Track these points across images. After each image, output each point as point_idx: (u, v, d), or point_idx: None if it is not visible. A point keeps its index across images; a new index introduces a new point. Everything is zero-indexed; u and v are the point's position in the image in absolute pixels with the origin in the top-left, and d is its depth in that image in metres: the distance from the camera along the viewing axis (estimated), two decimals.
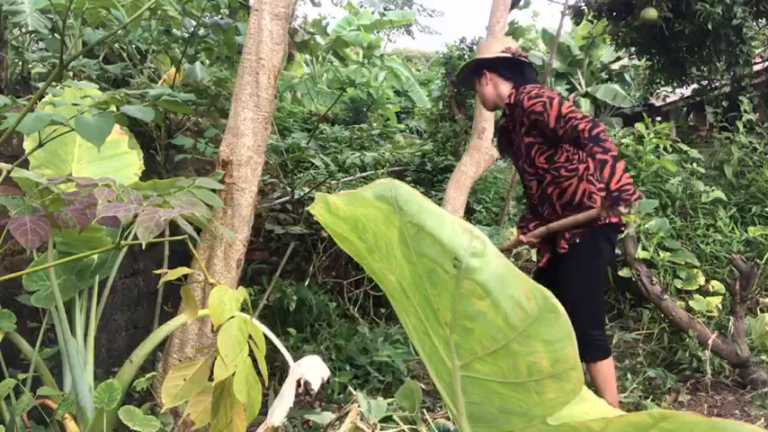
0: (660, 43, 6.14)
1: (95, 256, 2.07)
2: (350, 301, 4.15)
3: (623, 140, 4.28)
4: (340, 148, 5.49)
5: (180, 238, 1.49)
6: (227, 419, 1.33)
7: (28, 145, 2.14)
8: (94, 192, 1.39)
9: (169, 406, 1.36)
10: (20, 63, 3.33)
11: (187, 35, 3.82)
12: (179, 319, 2.03)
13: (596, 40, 11.09)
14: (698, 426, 0.60)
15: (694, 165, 4.76)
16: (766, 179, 4.85)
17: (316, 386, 1.36)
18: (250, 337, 1.34)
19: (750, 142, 5.28)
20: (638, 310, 4.01)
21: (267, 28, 2.46)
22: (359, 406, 2.11)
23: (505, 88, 2.65)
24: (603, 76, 12.48)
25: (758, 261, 3.27)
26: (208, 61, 4.46)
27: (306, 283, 3.93)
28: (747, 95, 6.10)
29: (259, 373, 1.36)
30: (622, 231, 3.31)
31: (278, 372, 3.14)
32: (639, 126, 4.23)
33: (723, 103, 6.83)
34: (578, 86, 12.35)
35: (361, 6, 11.52)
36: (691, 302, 3.56)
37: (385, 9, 10.79)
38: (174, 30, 3.80)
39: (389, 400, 2.38)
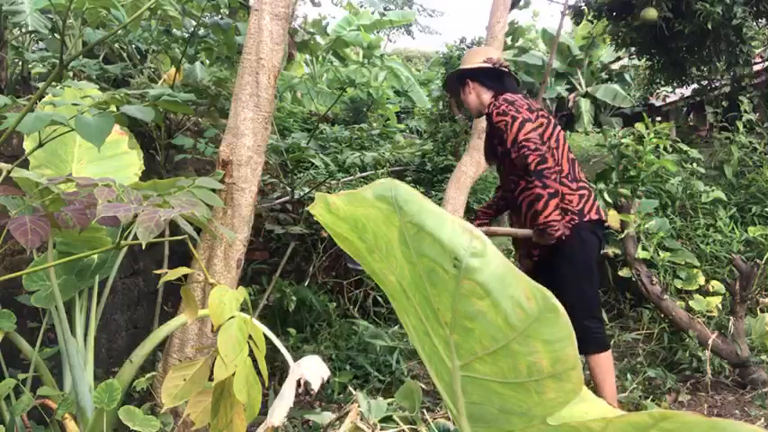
0: (660, 43, 6.14)
1: (95, 256, 2.07)
2: (350, 301, 4.15)
3: (623, 140, 4.28)
4: (340, 148, 5.49)
5: (180, 238, 1.49)
6: (227, 419, 1.33)
7: (28, 145, 2.14)
8: (94, 192, 1.39)
9: (169, 406, 1.36)
10: (20, 63, 3.34)
11: (187, 35, 3.83)
12: (179, 319, 2.03)
13: (596, 40, 11.09)
14: (698, 426, 0.60)
15: (694, 165, 4.75)
16: (766, 179, 4.85)
17: (316, 386, 1.36)
18: (250, 337, 1.34)
19: (750, 142, 5.28)
20: (638, 310, 4.01)
21: (267, 28, 2.46)
22: (359, 406, 2.11)
23: (487, 97, 2.77)
24: (603, 76, 12.48)
25: (758, 261, 3.26)
26: (208, 61, 4.47)
27: (306, 284, 3.93)
28: (747, 95, 6.10)
29: (259, 373, 1.36)
30: (608, 228, 3.42)
31: (278, 372, 3.14)
32: (639, 126, 4.22)
33: (723, 103, 6.83)
34: (578, 86, 12.35)
35: (361, 6, 11.54)
36: (691, 302, 3.56)
37: (385, 9, 10.80)
38: (174, 30, 3.81)
39: (389, 400, 2.38)
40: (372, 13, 11.05)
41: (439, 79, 8.75)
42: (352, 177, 5.04)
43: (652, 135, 4.14)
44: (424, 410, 2.54)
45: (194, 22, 3.82)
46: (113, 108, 1.67)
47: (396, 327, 3.78)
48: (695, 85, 7.54)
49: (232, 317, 1.31)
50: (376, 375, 3.20)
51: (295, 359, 1.45)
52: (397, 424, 2.21)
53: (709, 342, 3.14)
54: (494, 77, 2.79)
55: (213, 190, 1.76)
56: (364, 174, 5.19)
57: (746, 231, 4.24)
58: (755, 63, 7.01)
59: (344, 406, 2.75)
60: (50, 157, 2.20)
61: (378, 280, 0.89)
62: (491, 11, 4.58)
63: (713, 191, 4.51)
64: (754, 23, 6.11)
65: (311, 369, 1.39)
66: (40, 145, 1.68)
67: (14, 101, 1.64)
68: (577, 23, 8.71)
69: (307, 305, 3.76)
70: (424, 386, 2.80)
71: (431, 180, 5.77)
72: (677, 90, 8.13)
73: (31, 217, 1.44)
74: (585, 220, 2.55)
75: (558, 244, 2.51)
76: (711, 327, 3.46)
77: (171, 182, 1.82)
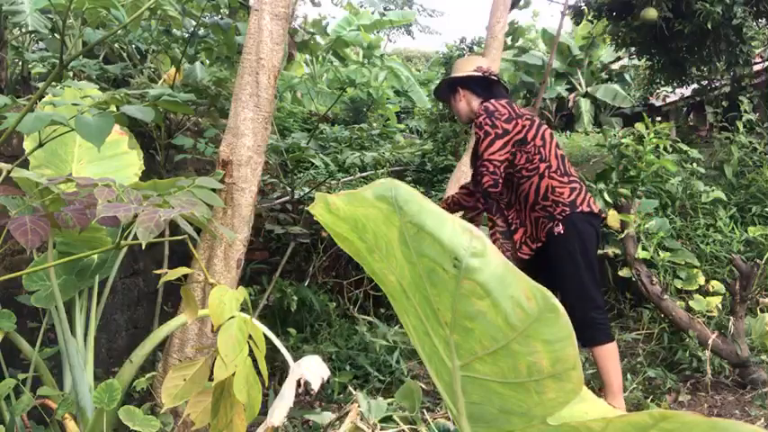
0: (660, 43, 6.14)
1: (95, 256, 2.07)
2: (350, 301, 4.15)
3: (623, 140, 4.28)
4: (340, 148, 5.49)
5: (180, 238, 1.49)
6: (227, 419, 1.33)
7: (28, 145, 2.14)
8: (94, 192, 1.39)
9: (169, 406, 1.36)
10: (20, 63, 3.33)
11: (187, 35, 3.83)
12: (179, 319, 2.03)
13: (596, 40, 11.10)
14: (698, 426, 0.60)
15: (694, 165, 4.75)
16: (766, 179, 4.84)
17: (316, 386, 1.36)
18: (250, 337, 1.34)
19: (750, 142, 5.28)
20: (638, 310, 4.01)
21: (267, 28, 2.46)
22: (359, 406, 2.11)
23: (476, 104, 2.89)
24: (603, 76, 12.49)
25: (758, 261, 3.26)
26: (208, 61, 4.46)
27: (306, 284, 3.93)
28: (747, 95, 6.09)
29: (259, 373, 1.36)
30: (606, 222, 3.48)
31: (278, 372, 3.14)
32: (639, 126, 4.22)
33: (723, 103, 6.83)
34: (578, 86, 12.35)
35: (361, 6, 11.53)
36: (691, 302, 3.55)
37: (385, 9, 10.80)
38: (174, 30, 3.81)
39: (389, 400, 2.38)
40: (372, 13, 11.05)
41: (439, 79, 8.74)
42: (352, 177, 5.04)
43: (652, 135, 4.14)
44: (424, 410, 2.54)
45: (194, 22, 3.82)
46: (113, 108, 1.67)
47: (396, 327, 3.78)
48: (695, 85, 7.54)
49: (232, 317, 1.31)
50: (376, 375, 3.20)
51: (295, 359, 1.45)
52: (397, 424, 2.21)
53: (709, 342, 3.14)
54: (484, 86, 2.91)
55: (213, 190, 1.76)
56: (364, 174, 5.19)
57: (746, 231, 4.24)
58: (755, 63, 7.01)
59: (344, 406, 2.75)
60: (50, 157, 2.20)
61: (378, 280, 0.89)
62: (491, 11, 4.58)
63: (713, 191, 4.51)
64: (754, 23, 6.10)
65: (311, 369, 1.39)
66: (40, 145, 1.68)
67: (14, 101, 1.64)
68: (577, 23, 8.71)
69: (307, 305, 3.76)
70: (424, 386, 2.80)
71: (431, 180, 5.76)
72: (677, 90, 8.13)
73: (31, 217, 1.44)
74: (578, 210, 2.62)
75: (556, 238, 2.59)
76: (711, 327, 3.46)
77: (171, 182, 1.82)
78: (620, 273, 3.72)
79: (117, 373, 1.99)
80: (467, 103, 2.93)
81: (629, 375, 3.21)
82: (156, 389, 2.19)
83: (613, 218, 3.65)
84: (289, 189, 4.06)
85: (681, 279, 3.76)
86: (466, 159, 4.28)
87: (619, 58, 11.55)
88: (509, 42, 10.45)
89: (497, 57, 4.60)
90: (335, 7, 16.45)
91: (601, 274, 3.58)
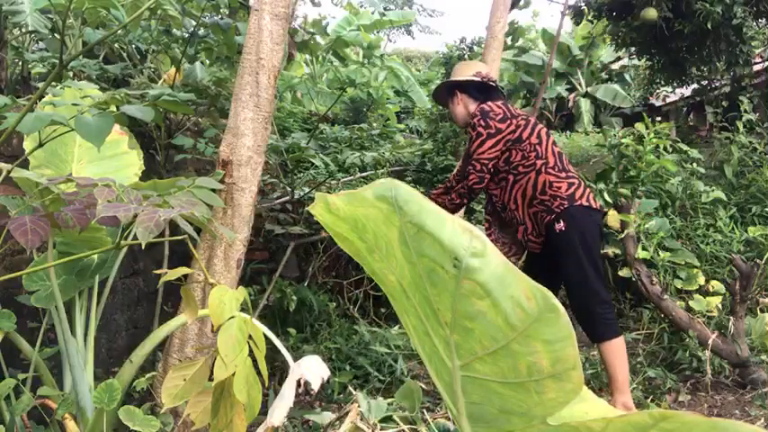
0: (660, 43, 6.14)
1: (95, 256, 2.07)
2: (350, 301, 4.15)
3: (623, 140, 4.28)
4: (340, 148, 5.48)
5: (180, 238, 1.49)
6: (227, 419, 1.33)
7: (28, 145, 2.13)
8: (94, 192, 1.39)
9: (169, 406, 1.36)
10: (20, 63, 3.33)
11: (187, 35, 3.82)
12: (179, 319, 2.03)
13: (596, 40, 11.11)
14: (698, 426, 0.60)
15: (694, 165, 4.75)
16: (766, 179, 4.84)
17: (316, 386, 1.36)
18: (250, 337, 1.34)
19: (750, 142, 5.28)
20: (638, 310, 4.01)
21: (267, 28, 2.46)
22: (359, 406, 2.11)
23: (473, 108, 2.93)
24: (603, 76, 12.50)
25: (758, 261, 3.26)
26: (208, 61, 4.46)
27: (306, 284, 3.93)
28: (747, 95, 6.10)
29: (259, 373, 1.36)
30: (605, 215, 3.51)
31: (278, 372, 3.14)
32: (639, 126, 4.22)
33: (723, 103, 6.83)
34: (578, 86, 12.35)
35: (361, 6, 11.54)
36: (691, 302, 3.55)
37: (385, 9, 10.80)
38: (174, 30, 3.80)
39: (389, 400, 2.38)
40: (372, 13, 11.05)
41: (439, 79, 8.74)
42: (352, 177, 5.03)
43: (652, 135, 4.14)
44: (424, 410, 2.54)
45: (194, 22, 3.81)
46: (113, 108, 1.67)
47: (396, 327, 3.78)
48: (695, 85, 7.54)
49: (232, 317, 1.31)
50: (376, 375, 3.20)
51: (295, 359, 1.45)
52: (397, 424, 2.21)
53: (709, 342, 3.14)
54: (482, 90, 2.96)
55: (213, 190, 1.76)
56: (364, 174, 5.18)
57: (746, 231, 4.24)
58: (755, 63, 7.01)
59: (344, 406, 2.75)
60: (50, 157, 2.20)
61: (378, 280, 0.89)
62: (491, 11, 4.59)
63: (713, 191, 4.51)
64: (754, 23, 6.11)
65: (311, 369, 1.39)
66: (40, 145, 1.68)
67: (14, 101, 1.64)
68: (577, 23, 8.71)
69: (307, 305, 3.76)
70: (424, 386, 2.80)
71: (431, 180, 5.75)
72: (677, 90, 8.14)
73: (31, 217, 1.44)
74: (576, 204, 2.64)
75: (557, 234, 2.61)
76: (711, 327, 3.46)
77: (171, 182, 1.82)
78: (620, 273, 3.72)
79: (117, 373, 1.99)
80: (464, 106, 2.98)
81: (629, 375, 3.21)
82: (156, 389, 2.19)
83: (613, 218, 3.65)
84: (289, 189, 4.06)
85: (681, 279, 3.75)
86: None
87: (619, 58, 11.56)
88: (509, 42, 10.46)
89: (497, 57, 4.60)
90: (335, 7, 16.47)
91: None
